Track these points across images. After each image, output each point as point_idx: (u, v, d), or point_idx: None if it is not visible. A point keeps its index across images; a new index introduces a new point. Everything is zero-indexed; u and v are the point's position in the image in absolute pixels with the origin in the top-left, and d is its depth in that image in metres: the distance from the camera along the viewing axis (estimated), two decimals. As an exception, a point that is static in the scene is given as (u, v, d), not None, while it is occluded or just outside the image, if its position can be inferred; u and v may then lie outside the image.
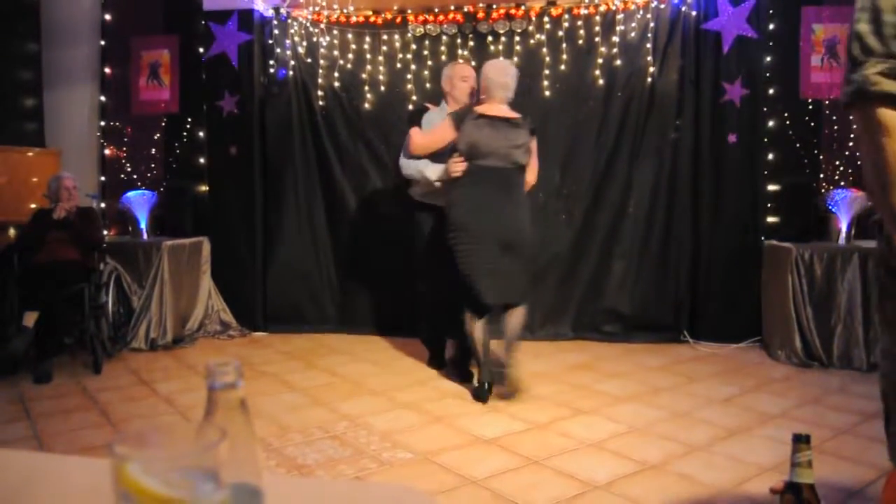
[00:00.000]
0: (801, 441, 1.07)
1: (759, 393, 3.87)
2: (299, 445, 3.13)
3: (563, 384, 4.08)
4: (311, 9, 5.30)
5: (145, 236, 5.44)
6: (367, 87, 5.40)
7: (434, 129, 3.92)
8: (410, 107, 5.28)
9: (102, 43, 5.86)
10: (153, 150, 5.85)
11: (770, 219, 4.97)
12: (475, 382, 3.90)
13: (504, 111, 3.78)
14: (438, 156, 3.97)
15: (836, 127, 4.95)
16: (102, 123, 5.88)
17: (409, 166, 4.14)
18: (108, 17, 5.83)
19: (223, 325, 5.49)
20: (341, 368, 4.46)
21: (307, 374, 4.37)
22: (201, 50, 5.55)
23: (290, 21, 5.47)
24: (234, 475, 0.61)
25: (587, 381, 4.14)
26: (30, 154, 5.52)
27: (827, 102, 4.95)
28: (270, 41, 5.48)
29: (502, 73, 3.81)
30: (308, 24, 5.44)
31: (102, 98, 5.88)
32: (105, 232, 5.19)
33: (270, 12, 5.48)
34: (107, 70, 5.87)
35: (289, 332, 5.44)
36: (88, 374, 4.32)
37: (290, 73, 5.47)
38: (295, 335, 5.39)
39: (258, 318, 5.56)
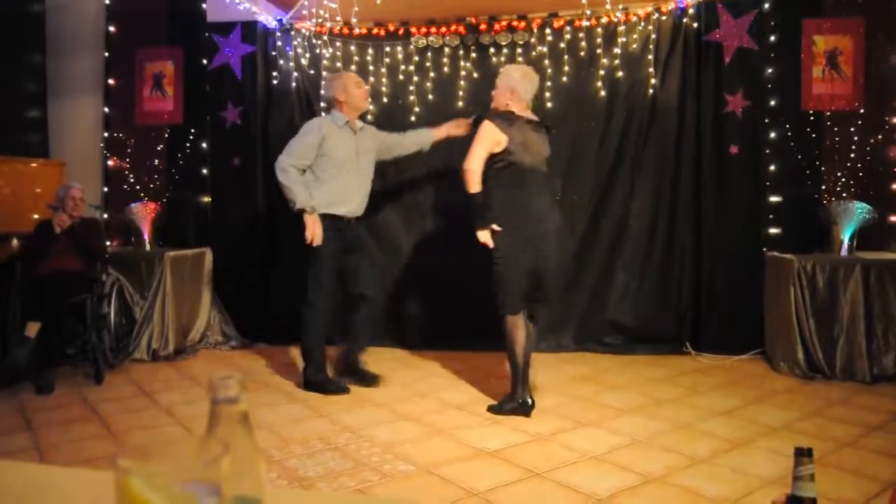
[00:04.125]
0: (803, 455, 1.07)
1: (762, 405, 3.86)
2: (300, 457, 3.13)
3: (564, 396, 4.07)
4: (314, 21, 5.33)
5: (148, 247, 5.44)
6: (369, 98, 5.41)
7: (481, 138, 3.69)
8: (413, 118, 5.29)
9: (106, 54, 5.89)
10: (156, 160, 5.86)
11: (772, 230, 4.97)
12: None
13: (531, 114, 3.93)
14: (322, 183, 4.13)
15: (837, 138, 4.96)
16: (106, 134, 5.90)
17: (290, 177, 4.07)
18: (112, 28, 5.87)
19: (225, 336, 5.49)
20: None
21: (309, 386, 4.37)
22: (205, 61, 5.58)
23: (293, 33, 5.50)
24: (236, 488, 0.62)
25: (589, 393, 4.13)
26: (33, 165, 5.54)
27: (828, 114, 4.96)
28: (274, 53, 5.51)
29: (532, 78, 3.90)
30: (311, 36, 5.47)
31: (106, 109, 5.90)
32: (108, 243, 5.21)
33: (274, 24, 5.51)
34: (111, 81, 5.90)
35: (291, 344, 5.42)
36: (90, 385, 4.33)
37: (293, 84, 5.49)
38: (296, 346, 5.37)
39: (260, 329, 5.56)
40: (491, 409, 3.79)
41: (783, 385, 4.28)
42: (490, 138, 3.67)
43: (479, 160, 3.67)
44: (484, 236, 3.67)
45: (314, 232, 4.07)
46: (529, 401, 3.72)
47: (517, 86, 3.82)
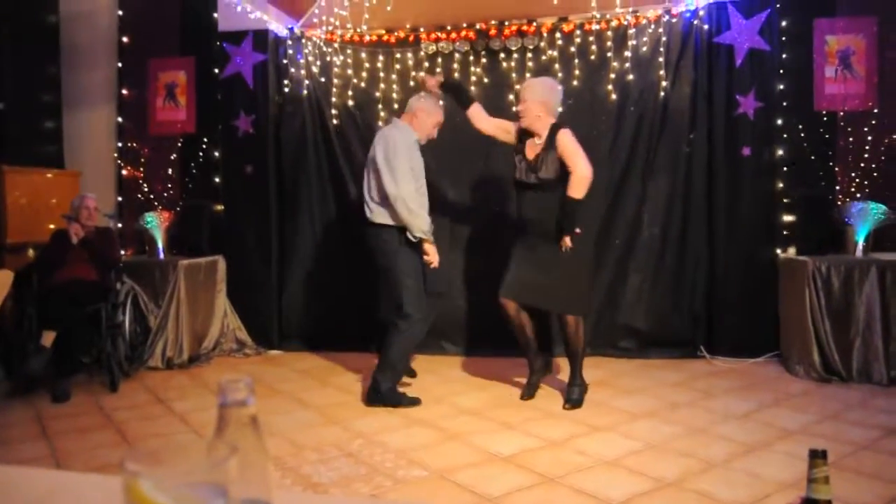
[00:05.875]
0: (817, 457, 1.06)
1: (778, 408, 3.83)
2: (314, 464, 3.13)
3: (578, 400, 4.05)
4: (324, 28, 5.36)
5: (162, 255, 5.48)
6: (380, 105, 5.43)
7: (577, 146, 3.85)
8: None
9: (120, 65, 5.95)
10: (169, 170, 5.91)
11: (786, 232, 4.94)
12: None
13: None
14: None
15: (850, 139, 4.92)
16: (120, 144, 5.95)
17: (418, 203, 3.97)
18: (125, 39, 5.93)
19: (239, 343, 5.51)
20: (356, 387, 4.46)
21: (322, 392, 4.37)
22: (217, 71, 5.62)
23: (304, 41, 5.53)
24: (244, 491, 0.62)
25: (603, 397, 4.11)
26: (49, 175, 5.60)
27: (841, 114, 4.93)
28: (285, 61, 5.54)
29: (558, 90, 4.07)
30: (322, 44, 5.50)
31: (120, 119, 5.96)
32: (122, 252, 5.24)
33: (285, 32, 5.54)
34: (124, 92, 5.95)
35: (304, 351, 5.45)
36: (105, 393, 4.35)
37: (305, 92, 5.52)
38: (310, 353, 5.40)
39: (273, 336, 5.58)
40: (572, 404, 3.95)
41: (799, 388, 4.24)
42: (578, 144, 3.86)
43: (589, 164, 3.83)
44: (571, 241, 3.82)
45: (437, 257, 4.09)
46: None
47: (550, 99, 3.94)
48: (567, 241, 3.77)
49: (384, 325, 4.29)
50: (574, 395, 3.95)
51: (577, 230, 3.80)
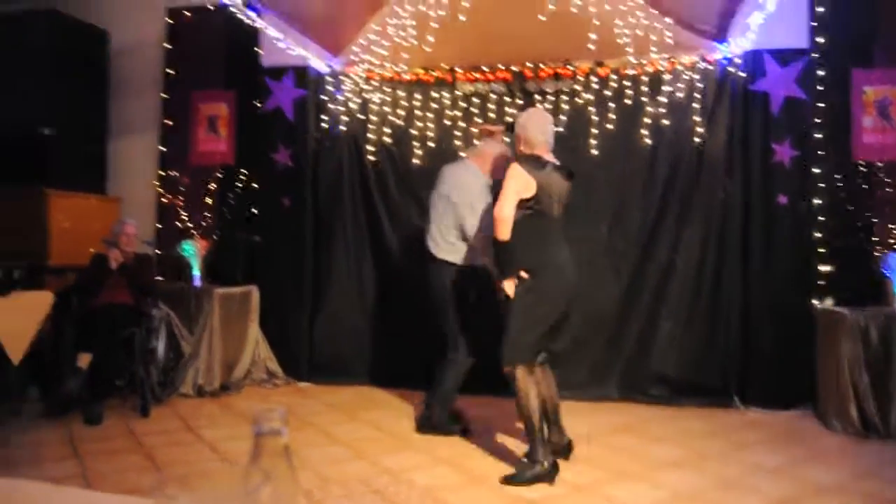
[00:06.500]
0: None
1: (813, 463, 3.73)
2: (339, 499, 3.12)
3: (605, 447, 3.98)
4: (363, 66, 5.48)
5: (198, 283, 5.56)
6: (416, 143, 5.51)
7: (510, 182, 3.40)
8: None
9: (164, 96, 6.13)
10: (208, 199, 6.02)
11: (823, 282, 4.85)
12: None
13: (554, 159, 3.64)
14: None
15: (889, 189, 4.85)
16: (161, 173, 6.10)
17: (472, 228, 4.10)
18: (170, 71, 6.11)
19: (269, 373, 5.54)
20: (385, 422, 4.45)
21: (351, 427, 4.37)
22: (258, 104, 5.75)
23: (343, 78, 5.65)
24: (275, 520, 0.63)
25: (631, 444, 4.05)
26: (92, 200, 5.76)
27: (880, 164, 4.87)
28: (324, 97, 5.66)
29: (540, 118, 3.65)
30: (360, 81, 5.61)
31: (162, 148, 6.11)
32: (159, 278, 5.33)
33: (325, 69, 5.67)
34: (167, 122, 6.12)
35: (334, 384, 5.45)
36: (137, 418, 4.40)
37: (343, 128, 5.62)
38: (340, 387, 5.40)
39: (304, 368, 5.60)
40: (507, 479, 3.38)
41: (834, 442, 4.13)
42: (519, 182, 3.40)
43: (511, 206, 3.38)
44: (510, 287, 3.43)
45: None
46: (552, 463, 3.39)
47: (525, 131, 3.57)
48: (504, 286, 3.44)
49: (431, 361, 4.36)
50: (516, 472, 3.41)
51: (523, 274, 3.41)
